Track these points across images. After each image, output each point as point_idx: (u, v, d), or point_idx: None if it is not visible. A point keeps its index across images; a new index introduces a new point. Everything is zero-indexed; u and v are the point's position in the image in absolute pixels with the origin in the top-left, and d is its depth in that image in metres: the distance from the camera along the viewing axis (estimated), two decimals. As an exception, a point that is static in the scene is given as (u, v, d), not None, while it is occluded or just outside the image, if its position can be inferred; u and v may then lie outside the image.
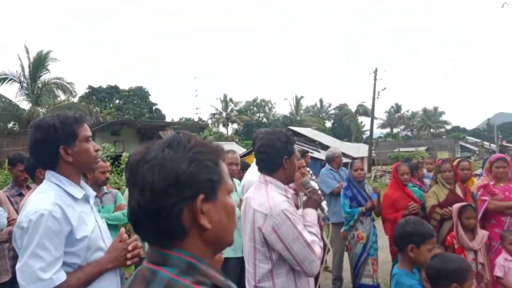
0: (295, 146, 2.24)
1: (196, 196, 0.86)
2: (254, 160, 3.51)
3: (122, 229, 1.91)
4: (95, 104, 30.23)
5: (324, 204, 2.36)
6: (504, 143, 46.24)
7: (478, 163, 12.18)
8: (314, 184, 2.46)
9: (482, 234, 3.68)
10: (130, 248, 1.80)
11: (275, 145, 2.14)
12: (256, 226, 2.04)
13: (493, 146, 44.64)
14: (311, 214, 2.21)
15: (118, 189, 7.10)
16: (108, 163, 3.90)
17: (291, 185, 2.32)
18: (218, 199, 0.91)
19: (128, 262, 1.80)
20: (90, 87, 44.46)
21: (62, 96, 22.38)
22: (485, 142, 50.43)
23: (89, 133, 1.84)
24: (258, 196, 2.11)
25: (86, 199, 1.81)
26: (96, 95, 43.68)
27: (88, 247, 1.70)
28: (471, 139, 58.02)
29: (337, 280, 5.53)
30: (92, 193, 1.88)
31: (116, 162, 10.11)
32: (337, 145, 19.32)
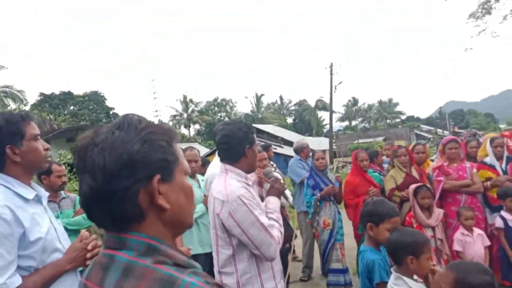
0: (257, 140, 2.29)
1: (152, 177, 0.84)
2: (216, 154, 3.50)
3: (83, 231, 1.85)
4: (48, 112, 29.05)
5: (288, 193, 2.42)
6: (456, 129, 48.50)
7: (433, 149, 12.70)
8: (276, 174, 2.51)
9: (438, 212, 3.84)
10: (89, 247, 1.75)
11: (236, 135, 2.17)
12: (215, 213, 2.09)
13: (446, 132, 46.80)
14: (273, 202, 2.26)
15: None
16: (63, 167, 3.76)
17: (254, 176, 2.35)
18: (175, 180, 0.89)
19: (88, 262, 1.73)
20: (42, 94, 42.68)
21: (12, 105, 21.39)
22: (438, 130, 52.78)
23: (37, 131, 1.75)
24: (217, 184, 2.16)
25: (38, 199, 1.74)
26: (49, 102, 41.99)
27: (44, 249, 1.63)
28: (425, 127, 60.58)
29: (307, 268, 5.63)
30: (44, 193, 1.80)
31: (74, 169, 9.76)
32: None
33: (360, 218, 2.56)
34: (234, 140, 2.17)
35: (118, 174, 0.81)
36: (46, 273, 1.63)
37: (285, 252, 3.77)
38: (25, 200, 1.66)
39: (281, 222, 2.18)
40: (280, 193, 2.36)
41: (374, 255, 2.40)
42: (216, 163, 3.45)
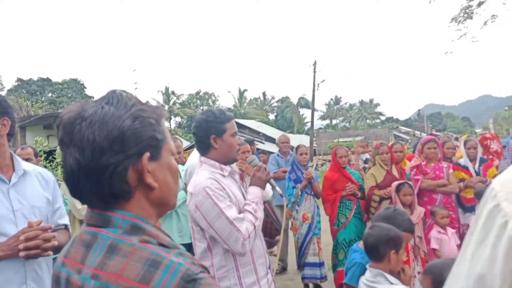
0: (228, 125, 2.14)
1: (142, 154, 0.83)
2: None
3: (30, 220, 1.67)
4: (25, 98, 28.30)
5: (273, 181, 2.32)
6: (434, 132, 49.51)
7: (410, 150, 12.93)
8: (260, 162, 2.41)
9: (420, 210, 3.93)
10: (22, 238, 1.57)
11: (201, 126, 2.13)
12: (187, 205, 2.07)
13: (424, 134, 47.66)
14: (253, 192, 2.15)
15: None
16: (29, 150, 3.60)
17: (234, 167, 2.27)
18: (163, 159, 0.88)
19: (21, 254, 1.57)
20: (19, 79, 41.52)
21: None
22: (416, 131, 53.71)
23: None
24: (193, 176, 2.13)
25: (1, 180, 1.69)
26: (26, 88, 40.90)
27: None
28: (403, 128, 61.52)
29: (281, 260, 5.67)
30: (19, 169, 1.75)
31: (50, 157, 9.55)
32: (280, 136, 19.61)
33: (376, 245, 2.24)
34: (199, 130, 2.14)
35: (109, 149, 0.80)
36: None
37: (274, 245, 3.74)
38: None
39: (259, 214, 2.08)
40: (263, 182, 2.20)
41: (362, 259, 2.36)
42: (196, 154, 3.42)
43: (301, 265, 4.73)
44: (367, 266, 2.26)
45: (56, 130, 0.87)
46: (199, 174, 2.07)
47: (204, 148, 2.15)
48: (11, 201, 1.68)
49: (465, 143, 4.79)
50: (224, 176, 2.10)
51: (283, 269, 5.65)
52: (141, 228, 0.83)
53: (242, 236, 1.94)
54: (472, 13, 13.66)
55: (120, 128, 0.81)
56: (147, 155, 0.83)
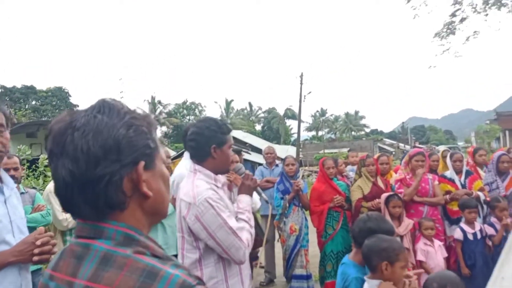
0: (228, 137, 2.15)
1: (137, 163, 0.81)
2: (185, 154, 3.41)
3: (41, 227, 1.76)
4: (8, 105, 27.83)
5: (259, 189, 2.32)
6: (417, 144, 50.21)
7: (395, 162, 13.07)
8: (247, 170, 2.41)
9: (408, 222, 3.96)
10: (38, 243, 1.65)
11: (203, 133, 2.09)
12: (181, 216, 2.01)
13: (408, 147, 48.33)
14: (243, 201, 2.16)
15: (36, 192, 6.55)
16: (15, 159, 3.55)
17: (223, 178, 2.27)
18: (156, 167, 0.87)
19: (35, 258, 1.65)
20: (2, 87, 40.82)
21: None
22: (400, 144, 54.42)
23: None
24: (185, 185, 2.08)
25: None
26: (9, 95, 40.20)
27: None
28: (388, 141, 62.31)
29: (268, 272, 5.64)
30: (12, 185, 1.74)
31: (34, 166, 9.36)
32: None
33: (358, 233, 2.40)
34: (201, 138, 2.09)
35: (104, 159, 0.78)
36: None
37: (255, 256, 3.69)
38: None
39: (252, 222, 2.10)
40: (252, 190, 2.24)
41: (357, 273, 2.34)
42: (183, 164, 3.37)
43: (289, 277, 4.70)
44: (365, 277, 2.26)
45: (45, 141, 0.85)
46: (196, 184, 2.02)
47: (202, 157, 2.11)
48: (8, 211, 1.71)
49: (451, 156, 4.85)
50: (218, 187, 2.09)
51: (270, 281, 5.62)
52: (135, 240, 0.81)
53: (244, 245, 1.96)
54: (455, 28, 13.99)
55: (115, 137, 0.79)
56: (142, 163, 0.82)
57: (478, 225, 4.20)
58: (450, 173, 4.78)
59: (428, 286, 1.94)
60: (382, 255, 2.17)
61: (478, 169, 5.10)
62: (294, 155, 29.22)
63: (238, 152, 5.48)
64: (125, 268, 0.75)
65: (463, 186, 4.66)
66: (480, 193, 4.56)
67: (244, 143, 29.27)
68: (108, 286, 0.74)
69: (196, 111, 63.05)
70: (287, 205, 4.72)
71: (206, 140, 2.08)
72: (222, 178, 2.21)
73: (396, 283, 2.16)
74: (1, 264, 1.58)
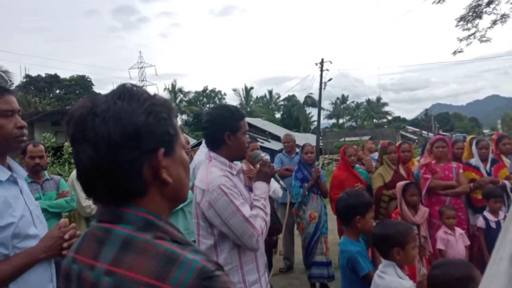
0: (242, 123, 2.14)
1: (157, 150, 0.82)
2: (203, 142, 3.43)
3: (63, 219, 1.78)
4: (33, 94, 28.49)
5: (277, 176, 2.33)
6: (441, 132, 49.23)
7: (417, 150, 12.81)
8: (266, 156, 2.42)
9: (424, 210, 3.89)
10: (66, 236, 1.65)
11: (216, 121, 2.10)
12: (196, 202, 2.04)
13: (431, 135, 47.43)
14: (260, 188, 2.17)
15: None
16: (41, 147, 3.65)
17: (239, 165, 2.27)
18: (176, 154, 0.88)
19: (64, 252, 1.63)
20: (27, 76, 41.78)
21: (-5, 85, 20.94)
22: (423, 131, 53.46)
23: (8, 106, 1.60)
24: (200, 172, 2.10)
25: (13, 180, 1.61)
26: (34, 84, 41.16)
27: (15, 235, 1.52)
28: (411, 128, 61.26)
29: (287, 259, 5.68)
30: (22, 173, 1.69)
31: (58, 153, 9.61)
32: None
33: (342, 213, 2.56)
34: (214, 125, 2.10)
35: (124, 146, 0.79)
36: (17, 261, 1.52)
37: (273, 244, 3.70)
38: None
39: (268, 210, 2.11)
40: (269, 178, 2.24)
41: (355, 247, 2.41)
42: (202, 150, 3.38)
43: (308, 265, 4.71)
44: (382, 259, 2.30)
45: (67, 126, 0.85)
46: (211, 171, 2.03)
47: (216, 144, 2.12)
48: (26, 203, 1.65)
49: (477, 143, 4.71)
50: (232, 174, 2.10)
51: (289, 268, 5.65)
52: (155, 225, 0.82)
53: (257, 233, 1.97)
54: (482, 12, 13.49)
55: (135, 124, 0.80)
56: (162, 150, 0.83)
57: (502, 214, 4.10)
58: (475, 160, 4.65)
59: (431, 273, 1.95)
60: (391, 242, 2.21)
61: (503, 157, 4.95)
62: (314, 143, 29.13)
63: (253, 140, 5.49)
64: (145, 253, 0.76)
65: (489, 174, 4.53)
66: (506, 182, 4.43)
67: (263, 131, 29.29)
68: (129, 271, 0.75)
69: (216, 99, 63.26)
70: (306, 193, 4.70)
71: (220, 127, 2.09)
72: (237, 165, 2.21)
73: (410, 263, 2.27)
74: (33, 262, 1.57)
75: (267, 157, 2.62)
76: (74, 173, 4.29)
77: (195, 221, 2.10)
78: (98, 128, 0.78)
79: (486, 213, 4.15)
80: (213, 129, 2.11)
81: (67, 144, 9.77)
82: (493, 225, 4.06)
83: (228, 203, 1.94)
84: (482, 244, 4.09)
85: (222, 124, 2.08)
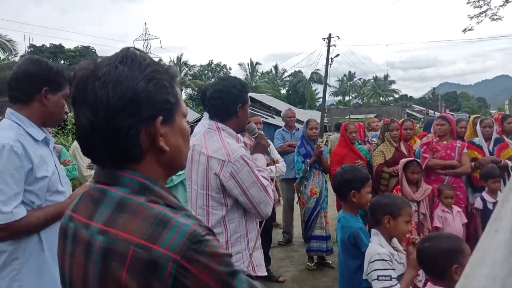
0: (248, 96, 2.20)
1: (155, 117, 0.82)
2: (204, 115, 3.41)
3: (88, 182, 1.89)
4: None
5: (272, 147, 2.40)
6: (448, 111, 48.87)
7: (421, 128, 12.73)
8: (260, 131, 2.47)
9: (426, 187, 3.89)
10: None
11: (230, 92, 2.09)
12: (212, 173, 2.02)
13: (437, 114, 47.02)
14: (261, 159, 2.24)
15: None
16: None
17: (245, 139, 2.31)
18: (176, 122, 0.88)
19: None
20: (32, 46, 41.59)
21: (1, 55, 20.86)
22: (430, 111, 53.03)
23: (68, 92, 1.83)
24: (211, 142, 2.08)
25: (46, 142, 1.79)
26: (39, 54, 40.91)
27: (47, 188, 1.69)
28: (417, 107, 60.77)
29: (286, 233, 5.76)
30: (51, 138, 1.86)
31: (62, 124, 9.64)
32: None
33: (339, 187, 2.56)
34: (227, 97, 2.09)
35: (122, 112, 0.79)
36: (49, 211, 1.67)
37: (273, 216, 3.78)
38: (35, 140, 1.71)
39: (270, 180, 2.17)
40: (265, 150, 2.34)
41: (356, 223, 2.43)
42: (202, 123, 3.37)
43: (307, 238, 4.77)
44: (373, 230, 2.36)
45: (69, 88, 0.87)
46: (228, 142, 2.05)
47: (227, 116, 2.13)
48: (55, 163, 1.82)
49: (481, 121, 4.66)
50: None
51: (288, 241, 5.74)
52: (149, 189, 0.84)
53: (271, 201, 2.08)
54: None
55: (135, 90, 0.80)
56: (160, 118, 0.83)
57: (500, 194, 4.09)
58: (479, 139, 4.62)
59: (421, 246, 1.98)
60: (384, 210, 2.25)
61: (505, 137, 4.91)
62: (319, 120, 28.99)
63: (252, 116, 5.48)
64: (137, 215, 0.78)
65: (491, 154, 4.50)
66: (508, 161, 4.40)
67: (268, 107, 29.18)
68: (121, 231, 0.78)
69: (221, 73, 62.76)
70: (308, 168, 4.72)
71: (234, 99, 2.10)
72: (241, 138, 2.24)
73: (400, 236, 2.26)
74: (62, 215, 1.70)
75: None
76: (75, 143, 4.32)
77: (204, 192, 2.08)
78: (98, 91, 0.79)
79: (484, 194, 4.14)
80: (226, 100, 2.10)
81: (70, 114, 9.79)
82: (490, 206, 4.05)
83: (250, 173, 1.99)
84: (478, 225, 4.10)
85: (235, 95, 2.10)
